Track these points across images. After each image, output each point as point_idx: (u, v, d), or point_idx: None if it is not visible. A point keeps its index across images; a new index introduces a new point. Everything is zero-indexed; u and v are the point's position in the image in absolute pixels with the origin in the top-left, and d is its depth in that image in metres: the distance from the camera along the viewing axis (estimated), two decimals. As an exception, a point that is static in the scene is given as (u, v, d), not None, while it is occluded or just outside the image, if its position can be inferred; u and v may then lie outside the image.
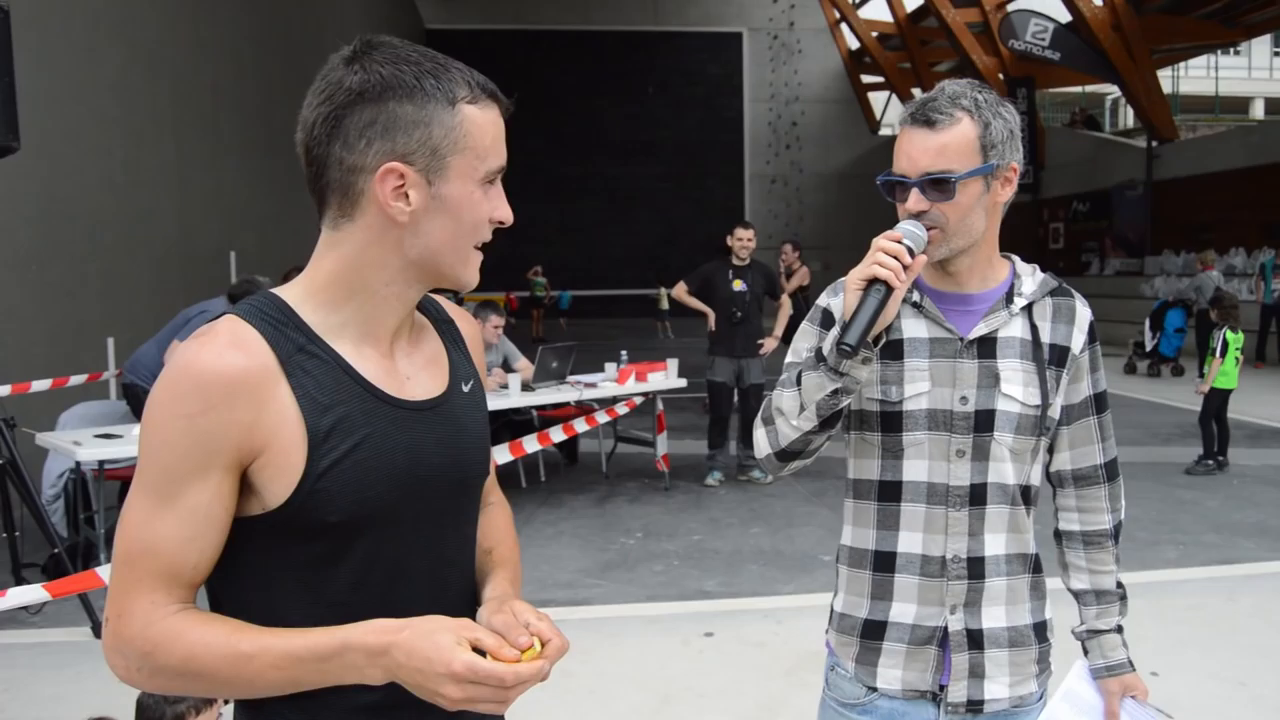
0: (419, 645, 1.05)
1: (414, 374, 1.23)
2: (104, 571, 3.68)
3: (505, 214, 1.20)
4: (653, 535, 6.33)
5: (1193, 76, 30.15)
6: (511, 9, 30.49)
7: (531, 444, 6.51)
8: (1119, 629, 1.83)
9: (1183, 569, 5.57)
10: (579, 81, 30.74)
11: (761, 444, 1.70)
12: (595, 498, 7.34)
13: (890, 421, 1.69)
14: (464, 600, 1.27)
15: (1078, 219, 23.16)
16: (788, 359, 1.77)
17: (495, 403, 7.00)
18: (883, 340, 1.60)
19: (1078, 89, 29.20)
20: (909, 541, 1.70)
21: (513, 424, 7.43)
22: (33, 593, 3.61)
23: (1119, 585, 1.84)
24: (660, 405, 7.61)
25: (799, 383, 1.61)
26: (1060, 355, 1.72)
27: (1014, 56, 22.21)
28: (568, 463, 8.53)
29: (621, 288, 29.91)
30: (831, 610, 1.84)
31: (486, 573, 1.35)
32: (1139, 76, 20.11)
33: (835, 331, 1.57)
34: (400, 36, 1.19)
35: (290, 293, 1.18)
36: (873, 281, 1.52)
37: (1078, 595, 1.85)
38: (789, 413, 1.63)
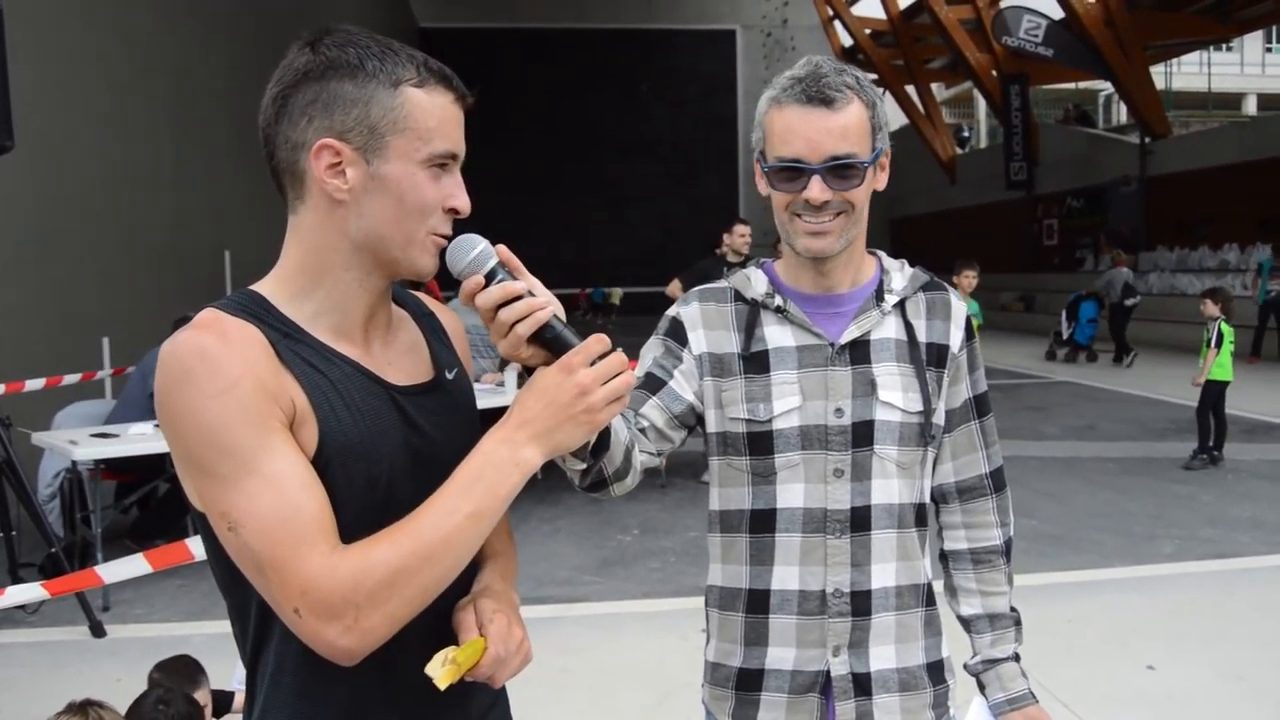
0: (532, 387, 1.14)
1: (394, 361, 1.24)
2: (101, 570, 3.67)
3: (461, 203, 1.18)
4: (649, 532, 6.34)
5: (1185, 73, 30.17)
6: (506, 7, 30.47)
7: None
8: (1017, 656, 1.64)
9: (1179, 563, 5.59)
10: (574, 79, 30.73)
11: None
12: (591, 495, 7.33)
13: (759, 443, 1.51)
14: (466, 585, 1.27)
15: (1072, 215, 23.20)
16: (636, 369, 1.54)
17: (492, 400, 6.99)
18: None
19: (1071, 85, 29.28)
20: (785, 577, 1.52)
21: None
22: (30, 591, 3.61)
23: (1013, 609, 1.66)
24: (657, 402, 7.60)
25: None
26: (939, 355, 1.56)
27: (1007, 53, 22.26)
28: (564, 460, 8.53)
29: (618, 285, 29.88)
30: (704, 662, 1.64)
31: (478, 564, 1.34)
32: (1132, 73, 20.15)
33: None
34: (395, 34, 1.20)
35: (264, 287, 1.19)
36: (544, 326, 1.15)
37: (969, 623, 1.65)
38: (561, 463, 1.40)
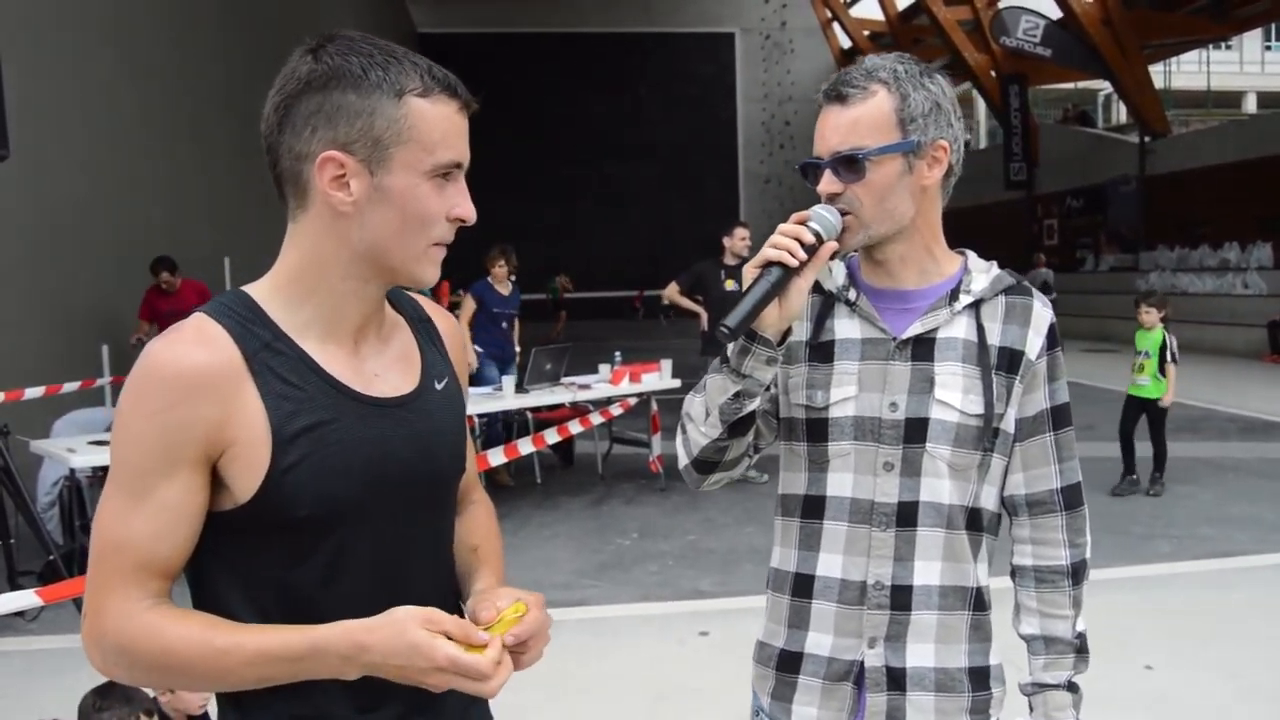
0: (395, 645, 1.07)
1: (383, 371, 1.24)
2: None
3: (465, 211, 1.19)
4: (648, 536, 6.34)
5: (1184, 71, 30.16)
6: (503, 12, 30.48)
7: (526, 446, 6.53)
8: (1070, 686, 1.57)
9: (1177, 563, 5.59)
10: (573, 83, 30.74)
11: (679, 453, 1.56)
12: (591, 499, 7.34)
13: (816, 430, 1.54)
14: (439, 596, 1.28)
15: (1071, 215, 23.18)
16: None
17: (490, 405, 7.00)
18: (788, 338, 1.45)
19: (1070, 85, 29.26)
20: (828, 564, 1.54)
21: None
22: (26, 597, 3.62)
23: (1078, 635, 1.58)
24: (655, 406, 7.61)
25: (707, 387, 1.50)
26: (1011, 360, 1.52)
27: (1005, 54, 22.24)
28: (563, 465, 8.54)
29: (618, 288, 29.89)
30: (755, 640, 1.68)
31: (473, 569, 1.36)
32: (1130, 72, 20.14)
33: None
34: (393, 40, 1.19)
35: (259, 290, 1.20)
36: (767, 265, 1.38)
37: (1026, 642, 1.61)
38: (697, 419, 1.50)
